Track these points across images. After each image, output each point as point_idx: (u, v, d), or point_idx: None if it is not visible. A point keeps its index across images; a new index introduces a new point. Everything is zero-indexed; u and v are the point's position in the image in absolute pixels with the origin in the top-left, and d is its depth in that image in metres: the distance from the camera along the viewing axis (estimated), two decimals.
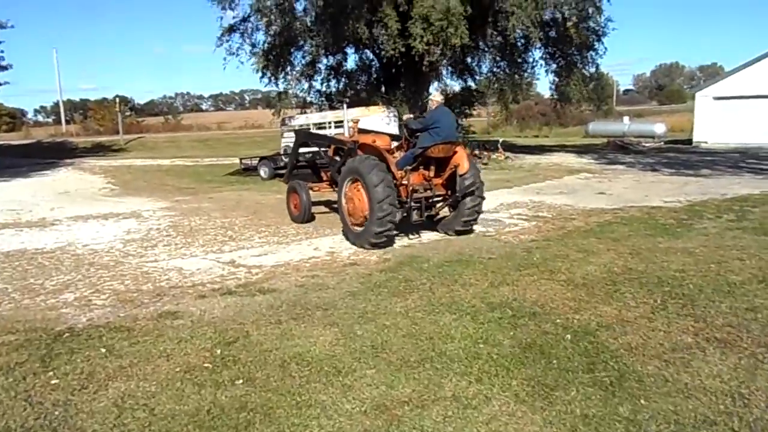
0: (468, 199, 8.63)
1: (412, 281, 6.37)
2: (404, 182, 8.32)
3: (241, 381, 4.01)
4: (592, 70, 22.85)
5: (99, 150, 31.59)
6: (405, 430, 3.39)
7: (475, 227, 9.13)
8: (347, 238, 8.65)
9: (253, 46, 21.75)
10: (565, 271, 6.61)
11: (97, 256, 8.01)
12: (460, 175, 8.53)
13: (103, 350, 4.59)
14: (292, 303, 5.71)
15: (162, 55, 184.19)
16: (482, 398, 3.74)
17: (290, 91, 23.55)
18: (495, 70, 26.12)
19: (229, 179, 19.14)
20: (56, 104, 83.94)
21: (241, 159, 21.01)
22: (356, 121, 11.39)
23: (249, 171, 19.78)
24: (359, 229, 8.34)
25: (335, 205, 9.65)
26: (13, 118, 71.47)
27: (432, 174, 8.79)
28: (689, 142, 30.10)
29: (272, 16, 19.69)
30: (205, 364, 4.29)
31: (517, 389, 3.84)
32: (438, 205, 8.84)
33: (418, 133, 8.71)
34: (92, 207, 12.84)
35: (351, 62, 27.45)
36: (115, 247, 8.61)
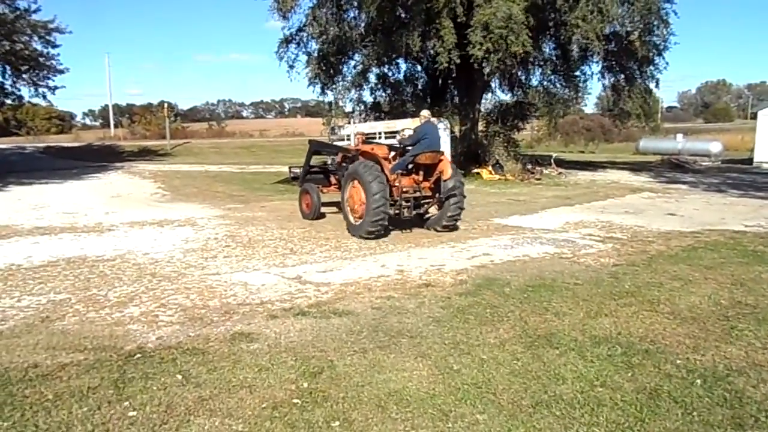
0: (451, 200, 10.09)
1: (497, 308, 5.85)
2: (396, 184, 9.91)
3: (337, 423, 3.55)
4: (652, 85, 22.00)
5: (146, 154, 31.92)
6: None
7: (458, 225, 10.48)
8: (349, 232, 10.05)
9: (308, 55, 21.66)
10: (666, 302, 6.01)
11: (158, 266, 7.71)
12: (444, 180, 10.07)
13: (180, 377, 4.20)
14: (372, 328, 5.26)
15: (204, 63, 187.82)
16: None
17: (340, 101, 23.33)
18: (545, 83, 25.48)
19: (278, 187, 18.88)
20: (104, 108, 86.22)
21: (290, 167, 20.71)
22: (362, 134, 12.99)
23: (298, 179, 19.47)
24: (358, 221, 9.83)
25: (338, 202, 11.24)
26: (63, 121, 73.51)
27: (421, 178, 10.32)
28: (749, 161, 28.79)
29: (326, 25, 19.54)
30: (294, 400, 3.85)
31: None
32: (425, 204, 10.41)
33: (410, 145, 10.21)
34: (146, 212, 12.69)
35: (397, 73, 27.18)
36: (175, 256, 8.32)
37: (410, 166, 10.14)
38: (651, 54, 21.00)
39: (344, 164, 11.41)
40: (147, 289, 6.62)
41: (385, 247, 9.08)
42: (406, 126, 19.51)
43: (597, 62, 22.36)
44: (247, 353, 4.68)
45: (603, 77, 23.03)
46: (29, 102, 24.78)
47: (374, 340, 4.96)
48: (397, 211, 9.95)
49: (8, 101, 23.06)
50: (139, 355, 4.61)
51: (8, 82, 22.15)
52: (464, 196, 10.38)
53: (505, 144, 22.29)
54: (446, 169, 10.12)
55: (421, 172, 10.25)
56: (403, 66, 26.54)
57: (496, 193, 16.77)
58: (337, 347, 4.80)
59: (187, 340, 4.98)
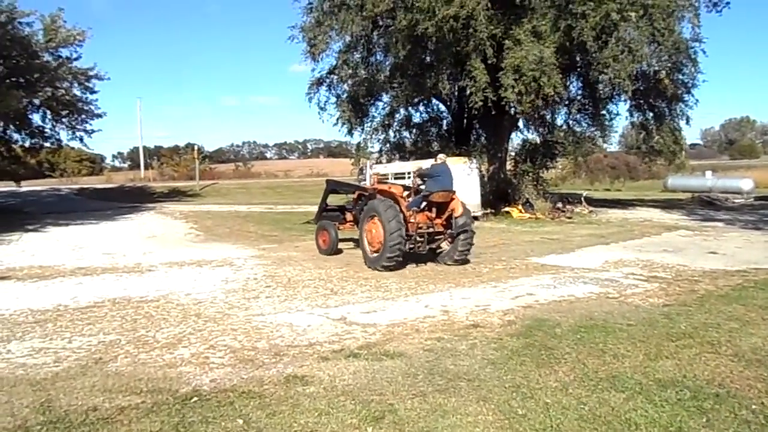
0: (461, 235, 10.83)
1: (553, 349, 5.71)
2: (412, 220, 10.64)
3: None
4: (682, 122, 21.86)
5: (176, 195, 32.43)
6: None
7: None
8: (366, 264, 10.71)
9: (338, 97, 22.05)
10: (727, 344, 5.82)
11: (201, 307, 7.71)
12: (456, 217, 10.87)
13: (240, 421, 4.13)
14: (427, 371, 5.15)
15: (229, 106, 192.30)
16: None
17: (368, 142, 23.60)
18: (571, 122, 25.49)
19: (308, 227, 18.88)
20: (132, 150, 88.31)
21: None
22: (378, 174, 14.43)
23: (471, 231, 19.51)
24: (376, 255, 10.48)
25: (356, 239, 12.13)
26: (93, 163, 75.32)
27: (434, 215, 11.07)
28: None
29: (356, 69, 19.94)
30: None
31: None
32: (438, 239, 11.13)
33: (425, 180, 11.16)
34: (182, 253, 12.79)
35: (422, 114, 27.48)
36: (217, 297, 8.32)
37: (424, 204, 10.92)
38: (680, 92, 20.97)
39: (360, 202, 12.26)
40: (194, 330, 6.60)
41: (425, 287, 8.99)
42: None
43: (625, 101, 22.38)
44: (304, 396, 4.60)
45: (631, 116, 22.99)
46: (67, 145, 25.47)
47: (432, 383, 4.85)
48: (411, 246, 10.57)
49: (47, 144, 23.78)
50: (195, 399, 4.56)
51: (48, 126, 22.92)
52: (474, 233, 11.16)
53: (534, 183, 22.23)
54: (457, 207, 10.93)
55: (434, 210, 11.05)
56: (425, 107, 26.90)
57: (529, 232, 16.63)
58: (395, 390, 4.70)
59: (241, 383, 4.92)
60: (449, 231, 10.94)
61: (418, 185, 11.39)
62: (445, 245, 11.25)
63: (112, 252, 12.74)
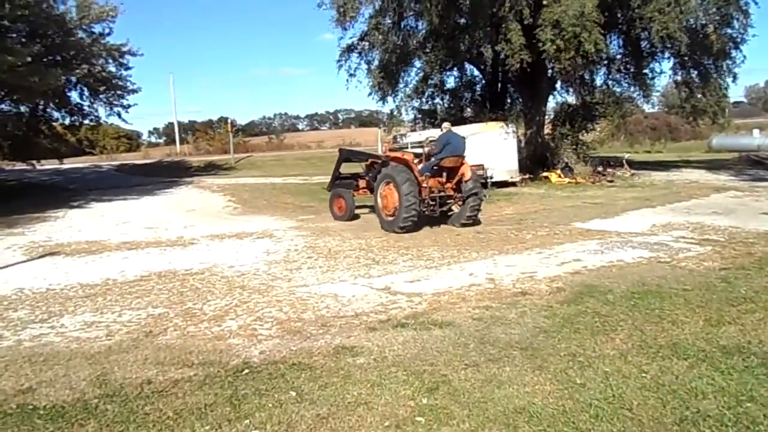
0: (470, 198, 11.37)
1: (606, 317, 5.52)
2: (424, 185, 11.12)
3: None
4: (729, 80, 20.83)
5: (211, 169, 32.63)
6: None
7: (480, 217, 11.77)
8: (382, 227, 11.33)
9: (369, 64, 21.70)
10: None
11: (245, 279, 7.73)
12: (465, 181, 11.40)
13: (293, 393, 4.10)
14: (478, 340, 5.04)
15: (260, 78, 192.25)
16: None
17: (402, 109, 23.25)
18: (610, 82, 24.61)
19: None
20: (167, 126, 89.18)
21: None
22: (389, 141, 15.49)
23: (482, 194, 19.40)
24: (391, 218, 11.09)
25: (369, 206, 13.03)
26: (130, 140, 76.52)
27: (444, 180, 11.60)
28: None
29: (388, 34, 19.52)
30: (417, 418, 3.68)
31: None
32: (449, 202, 11.68)
33: (435, 152, 11.56)
34: (222, 226, 12.88)
35: (454, 80, 26.91)
36: (260, 269, 8.34)
37: (435, 169, 11.49)
38: (727, 47, 19.93)
39: (373, 168, 12.78)
40: (240, 302, 6.61)
41: (468, 255, 8.85)
42: (472, 132, 19.35)
43: (668, 58, 21.46)
44: (354, 368, 4.54)
45: (675, 74, 22.00)
46: (105, 121, 25.79)
47: (484, 353, 4.74)
48: (424, 209, 11.12)
49: (86, 121, 24.10)
50: (246, 371, 4.55)
51: (86, 103, 23.20)
52: (483, 197, 11.83)
53: (574, 146, 21.62)
54: (467, 171, 11.46)
55: (445, 175, 11.60)
56: (458, 72, 26.29)
57: (570, 197, 16.23)
58: (447, 361, 4.60)
59: (290, 355, 4.90)
60: (459, 194, 11.51)
61: (429, 152, 11.87)
62: (455, 208, 11.80)
63: (154, 226, 12.91)
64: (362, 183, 13.45)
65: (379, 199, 11.51)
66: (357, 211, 13.30)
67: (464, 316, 5.77)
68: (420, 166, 11.61)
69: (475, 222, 11.59)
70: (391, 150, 12.92)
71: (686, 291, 6.29)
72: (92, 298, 6.95)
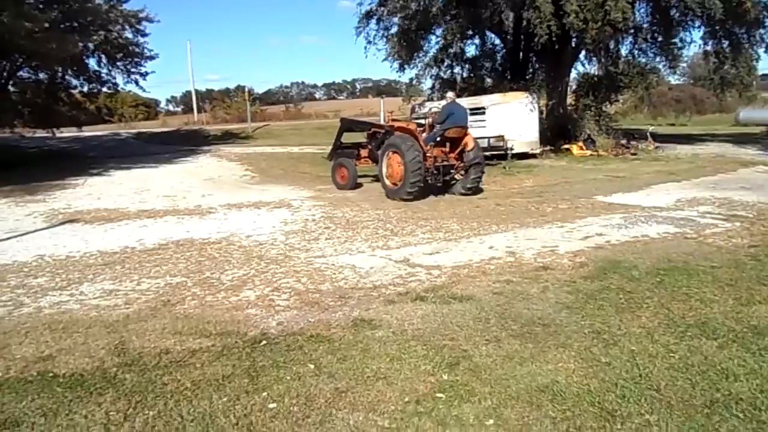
0: (472, 168, 11.74)
1: (631, 293, 5.38)
2: (429, 154, 11.41)
3: (491, 421, 3.27)
4: (761, 50, 20.13)
5: (229, 137, 32.62)
6: None
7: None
8: (387, 195, 11.65)
9: (387, 30, 21.28)
10: None
11: (263, 249, 7.69)
12: (467, 151, 11.69)
13: (312, 366, 4.04)
14: (499, 315, 4.94)
15: (277, 46, 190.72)
16: None
17: (421, 78, 22.86)
18: (635, 52, 23.92)
19: (362, 168, 18.77)
20: (185, 94, 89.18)
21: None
22: (391, 112, 15.31)
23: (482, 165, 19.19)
24: (396, 186, 11.41)
25: (373, 176, 13.50)
26: (148, 108, 76.66)
27: (448, 150, 11.83)
28: None
29: (408, 0, 19.06)
30: (437, 394, 3.60)
31: None
32: (452, 172, 11.92)
33: (439, 121, 11.78)
34: (240, 195, 12.85)
35: (476, 48, 26.35)
36: (277, 239, 8.29)
37: (439, 139, 11.73)
38: (762, 16, 19.21)
39: (375, 138, 13.07)
40: (257, 272, 6.57)
41: (488, 228, 8.71)
42: (492, 102, 19.01)
43: (698, 27, 20.76)
44: (373, 341, 4.47)
45: (705, 44, 21.30)
46: (123, 89, 25.81)
47: (505, 329, 4.64)
48: (428, 177, 11.39)
49: (104, 89, 24.13)
50: (264, 342, 4.50)
51: (104, 71, 23.20)
52: (484, 166, 12.13)
53: (596, 118, 21.14)
54: (469, 142, 11.78)
55: (448, 145, 11.84)
56: (480, 40, 25.73)
57: (592, 170, 15.94)
58: (468, 336, 4.52)
59: (308, 326, 4.84)
60: (462, 164, 11.82)
61: (433, 121, 12.12)
62: (458, 177, 12.07)
63: (172, 195, 12.92)
64: (364, 152, 13.70)
65: (384, 168, 11.80)
66: (360, 180, 13.58)
67: (484, 290, 5.66)
68: (424, 135, 11.87)
69: (477, 191, 12.02)
70: (393, 120, 13.38)
71: (714, 268, 6.11)
72: (111, 266, 6.95)
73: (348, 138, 14.70)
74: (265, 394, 3.66)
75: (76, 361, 4.23)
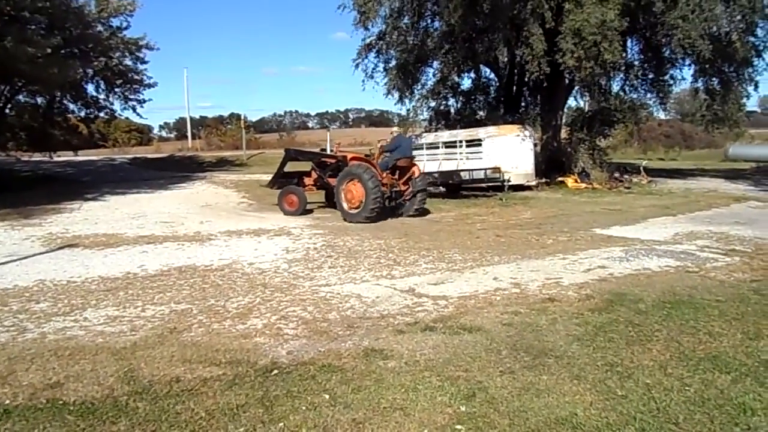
0: (419, 194, 13.59)
1: (640, 326, 5.40)
2: (384, 181, 12.97)
3: None
4: (750, 88, 20.63)
5: (224, 164, 32.71)
6: None
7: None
8: (345, 219, 12.85)
9: (386, 63, 21.62)
10: None
11: (266, 276, 7.66)
12: (414, 179, 13.60)
13: (326, 396, 4.00)
14: (510, 347, 4.92)
15: (271, 75, 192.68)
16: None
17: (417, 110, 23.15)
18: (627, 88, 24.42)
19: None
20: (178, 120, 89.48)
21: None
22: (338, 143, 17.50)
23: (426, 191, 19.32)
24: (356, 210, 12.70)
25: (320, 202, 15.39)
26: (141, 133, 76.75)
27: (397, 177, 13.62)
28: None
29: (406, 34, 19.42)
30: (456, 426, 3.57)
31: None
32: (401, 196, 13.64)
33: (389, 151, 13.72)
34: (238, 222, 12.83)
35: (471, 81, 26.80)
36: (280, 267, 8.26)
37: (390, 167, 13.45)
38: (750, 56, 19.74)
39: (325, 166, 14.41)
40: (263, 300, 6.53)
41: (490, 259, 8.73)
42: (488, 134, 19.23)
43: (689, 66, 21.27)
44: (386, 371, 4.44)
45: (695, 81, 21.79)
46: (119, 115, 25.89)
47: (518, 360, 4.63)
48: (384, 201, 12.88)
49: (101, 114, 24.20)
50: (276, 371, 4.46)
51: (101, 96, 23.31)
52: (428, 192, 14.52)
53: (591, 151, 21.43)
54: (416, 170, 13.73)
55: (398, 173, 13.60)
56: (474, 74, 26.15)
57: (588, 203, 16.09)
58: (481, 367, 4.50)
59: (319, 356, 4.80)
60: (409, 190, 13.53)
61: (382, 149, 13.97)
62: (405, 201, 13.77)
63: (170, 221, 12.88)
64: (309, 180, 14.85)
65: (342, 194, 12.98)
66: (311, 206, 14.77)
67: (493, 321, 5.65)
68: (379, 162, 13.47)
69: (424, 212, 13.85)
70: (339, 151, 15.13)
71: (719, 302, 6.15)
72: (114, 292, 6.88)
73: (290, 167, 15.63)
74: (281, 424, 3.61)
75: (85, 388, 4.16)
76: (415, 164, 13.73)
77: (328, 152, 17.45)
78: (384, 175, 13.04)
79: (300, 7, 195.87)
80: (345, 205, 12.92)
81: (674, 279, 7.29)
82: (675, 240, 10.14)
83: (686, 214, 13.41)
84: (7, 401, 3.96)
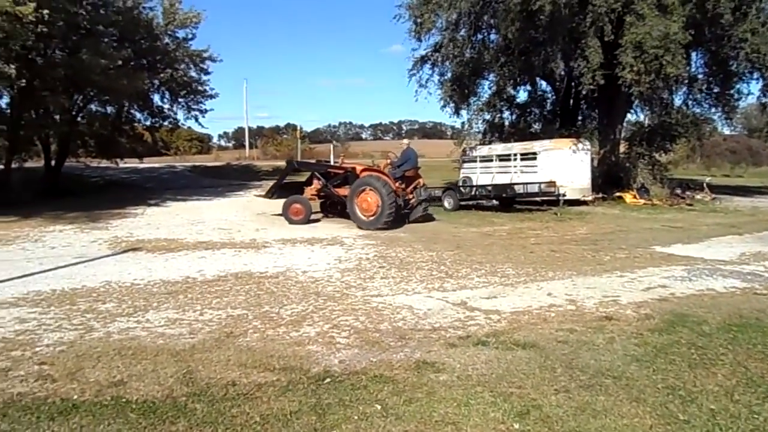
0: (423, 202, 14.67)
1: (704, 349, 5.18)
2: (396, 191, 13.62)
3: None
4: None
5: (279, 173, 33.36)
6: None
7: None
8: (360, 227, 13.38)
9: (441, 75, 21.66)
10: None
11: (320, 285, 7.75)
12: (419, 188, 14.74)
13: (378, 407, 4.01)
14: (566, 365, 4.82)
15: (326, 87, 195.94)
16: None
17: (473, 122, 23.08)
18: (690, 102, 23.60)
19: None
20: (236, 130, 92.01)
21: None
22: (342, 155, 18.52)
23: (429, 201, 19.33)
24: (372, 218, 13.35)
25: (325, 212, 16.14)
26: (201, 142, 79.35)
27: (405, 186, 14.44)
28: None
29: (462, 47, 19.41)
30: None
31: None
32: (409, 205, 14.50)
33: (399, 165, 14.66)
34: (292, 231, 13.07)
35: (529, 94, 26.54)
36: (333, 276, 8.36)
37: (399, 177, 14.28)
38: None
39: (332, 178, 15.00)
40: (315, 309, 6.61)
41: (544, 274, 8.58)
42: (544, 147, 18.96)
43: (757, 80, 20.41)
44: (438, 384, 4.42)
45: (764, 95, 20.87)
46: (183, 124, 26.84)
47: (574, 379, 4.52)
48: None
49: (166, 123, 25.17)
50: (328, 380, 4.50)
51: (166, 106, 24.25)
52: (430, 200, 16.02)
53: (650, 167, 20.80)
54: (421, 181, 14.86)
55: (405, 183, 14.47)
56: (531, 86, 25.89)
57: (647, 219, 15.60)
58: (535, 384, 4.41)
59: (371, 366, 4.82)
60: (416, 198, 14.57)
61: (391, 162, 14.94)
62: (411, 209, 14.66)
63: (227, 228, 13.25)
64: (310, 190, 15.31)
65: (356, 203, 13.57)
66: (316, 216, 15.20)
67: (547, 338, 5.55)
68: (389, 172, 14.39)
69: (429, 218, 14.89)
70: (344, 163, 16.11)
71: None
72: (174, 295, 7.12)
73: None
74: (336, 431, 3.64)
75: (146, 387, 4.31)
76: (420, 175, 14.79)
77: (332, 163, 18.07)
78: (396, 185, 13.74)
79: (355, 21, 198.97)
80: (360, 214, 13.51)
81: (741, 301, 6.98)
82: (742, 260, 9.71)
83: (754, 234, 12.83)
84: (75, 396, 4.15)
